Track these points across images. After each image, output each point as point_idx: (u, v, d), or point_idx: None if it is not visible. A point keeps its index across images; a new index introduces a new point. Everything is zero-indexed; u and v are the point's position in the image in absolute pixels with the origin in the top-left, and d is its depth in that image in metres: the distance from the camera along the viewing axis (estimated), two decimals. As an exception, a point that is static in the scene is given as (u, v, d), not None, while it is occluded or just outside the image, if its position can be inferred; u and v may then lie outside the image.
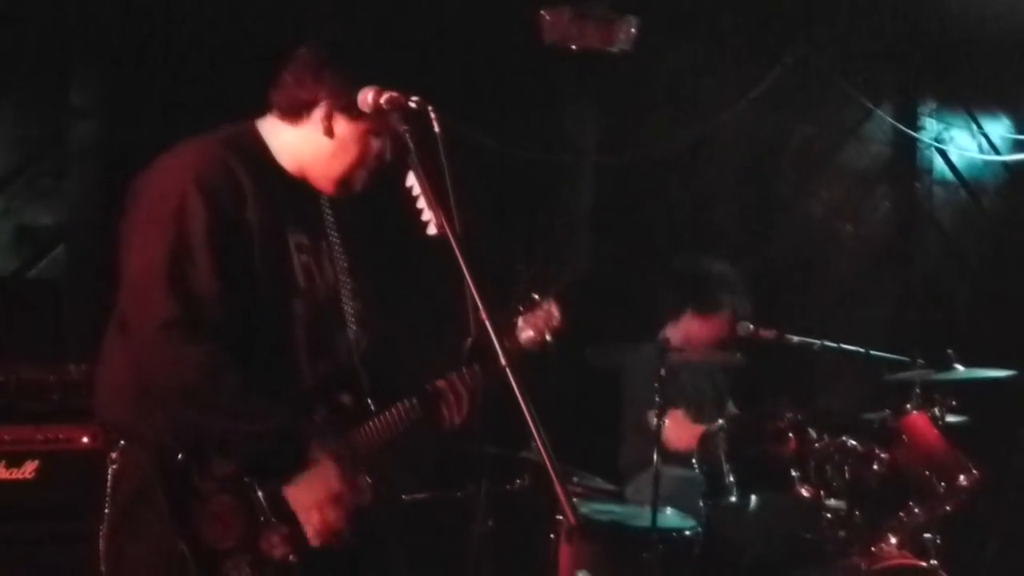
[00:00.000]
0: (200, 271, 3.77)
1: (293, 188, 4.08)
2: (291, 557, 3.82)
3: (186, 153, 3.97)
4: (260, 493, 3.82)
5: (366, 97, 3.94)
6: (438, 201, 3.70)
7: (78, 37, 7.09)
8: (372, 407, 4.14)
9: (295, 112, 4.04)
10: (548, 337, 4.42)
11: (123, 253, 3.93)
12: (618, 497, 6.78)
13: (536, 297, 4.45)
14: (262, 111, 4.15)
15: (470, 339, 4.03)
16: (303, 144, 4.05)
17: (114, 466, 3.88)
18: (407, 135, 3.81)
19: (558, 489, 3.34)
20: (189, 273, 3.76)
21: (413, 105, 3.85)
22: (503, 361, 3.47)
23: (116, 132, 7.11)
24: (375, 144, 4.06)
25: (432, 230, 3.70)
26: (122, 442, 3.86)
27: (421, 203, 3.76)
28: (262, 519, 3.81)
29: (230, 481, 3.80)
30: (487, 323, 3.51)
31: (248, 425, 3.78)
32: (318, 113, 4.01)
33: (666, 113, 8.57)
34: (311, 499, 3.84)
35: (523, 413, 3.35)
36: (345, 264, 4.22)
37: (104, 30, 7.14)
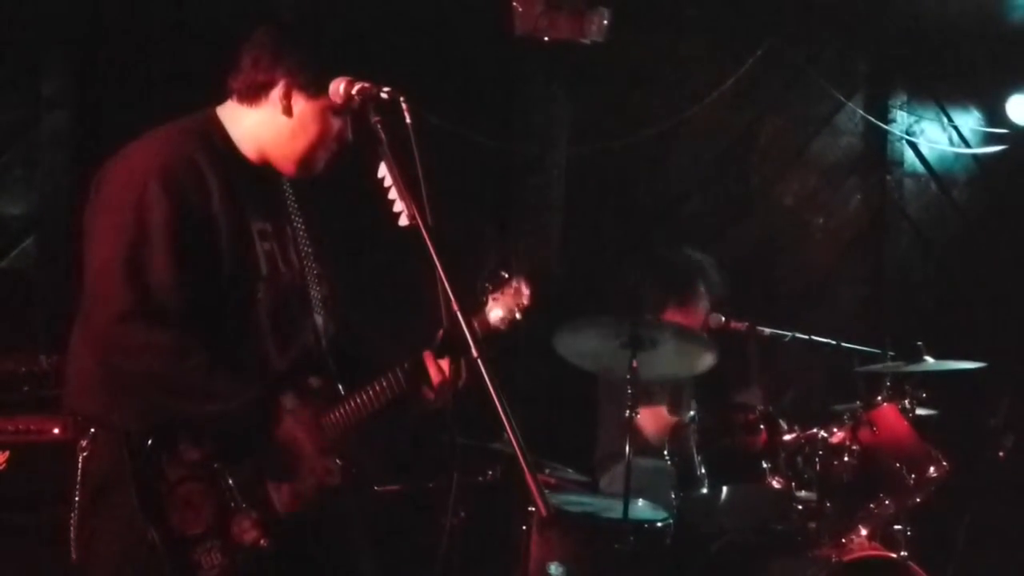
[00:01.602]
0: (158, 261, 3.78)
1: (255, 175, 4.09)
2: (262, 542, 3.82)
3: (149, 144, 3.97)
4: (230, 478, 3.82)
5: (338, 88, 3.94)
6: (409, 192, 3.70)
7: (48, 27, 7.07)
8: (341, 391, 4.14)
9: (253, 94, 4.05)
10: (518, 315, 4.37)
11: (85, 243, 3.94)
12: (590, 488, 6.79)
13: (505, 275, 4.41)
14: (221, 98, 4.14)
15: (441, 330, 4.03)
16: (263, 126, 4.06)
17: (84, 454, 3.87)
18: (379, 126, 3.80)
19: (529, 480, 3.34)
20: (147, 264, 3.77)
21: (385, 96, 3.85)
22: (475, 352, 3.47)
23: (87, 123, 7.09)
24: (335, 123, 4.07)
25: (404, 221, 3.70)
26: (92, 430, 3.85)
27: (393, 194, 3.76)
28: (232, 504, 3.82)
29: (199, 467, 3.81)
30: (459, 314, 3.52)
31: (215, 405, 3.80)
32: (276, 93, 4.02)
33: (637, 104, 8.58)
34: (284, 466, 3.86)
35: (495, 404, 3.35)
36: (310, 250, 4.22)
37: (74, 20, 7.12)
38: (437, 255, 3.55)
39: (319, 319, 4.22)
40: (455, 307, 3.52)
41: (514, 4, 7.75)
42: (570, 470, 6.74)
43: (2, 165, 7.06)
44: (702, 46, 8.79)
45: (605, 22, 7.81)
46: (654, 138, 8.54)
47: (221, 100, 4.15)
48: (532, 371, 7.51)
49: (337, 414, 4.07)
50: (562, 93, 8.30)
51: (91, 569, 3.89)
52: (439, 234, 3.60)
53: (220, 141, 4.05)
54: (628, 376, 6.16)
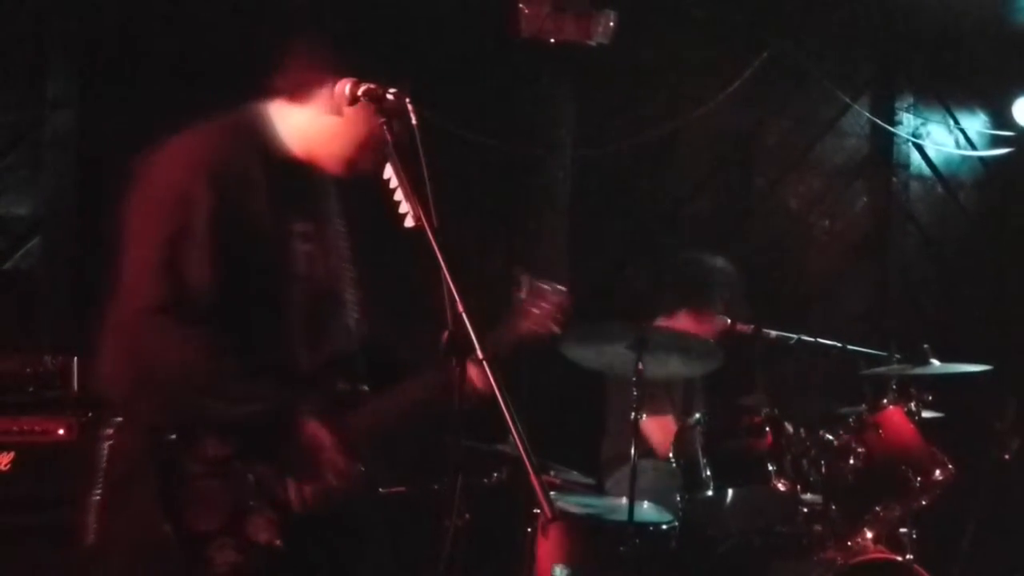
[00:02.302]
0: (197, 257, 3.76)
1: (300, 174, 4.09)
2: (276, 542, 3.82)
3: (196, 137, 3.96)
4: (249, 477, 3.82)
5: (343, 89, 3.94)
6: (415, 193, 3.69)
7: (54, 28, 7.07)
8: (367, 394, 4.15)
9: (302, 93, 4.04)
10: (555, 328, 4.40)
11: (123, 233, 3.89)
12: (596, 490, 6.78)
13: (540, 284, 4.41)
14: (266, 95, 4.13)
15: (447, 332, 4.02)
16: (311, 124, 4.05)
17: (108, 443, 3.87)
18: (384, 127, 3.80)
19: (535, 483, 3.34)
20: (185, 259, 3.75)
21: (390, 97, 3.85)
22: (480, 354, 3.46)
23: (91, 124, 7.09)
24: (379, 123, 4.05)
25: (409, 222, 3.69)
26: (116, 420, 3.85)
27: (398, 195, 3.75)
28: (250, 503, 3.81)
29: (220, 464, 3.80)
30: (464, 315, 3.51)
31: (239, 407, 3.79)
32: (325, 92, 4.01)
33: (643, 106, 8.58)
34: (305, 468, 3.87)
35: (500, 406, 3.35)
36: (348, 252, 4.22)
37: (80, 22, 7.12)
38: (442, 256, 3.54)
39: (352, 322, 4.21)
40: (460, 308, 3.51)
41: (520, 6, 7.76)
42: (575, 472, 6.73)
43: (7, 166, 7.06)
44: (708, 48, 8.79)
45: (611, 24, 7.81)
46: (659, 140, 8.54)
47: (267, 97, 4.13)
48: (538, 373, 7.50)
49: (359, 418, 4.06)
50: (568, 95, 8.30)
51: (106, 557, 3.89)
52: (444, 235, 3.60)
53: (267, 136, 4.04)
54: (634, 378, 6.15)
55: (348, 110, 4.01)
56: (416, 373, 4.17)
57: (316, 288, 4.06)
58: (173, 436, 3.75)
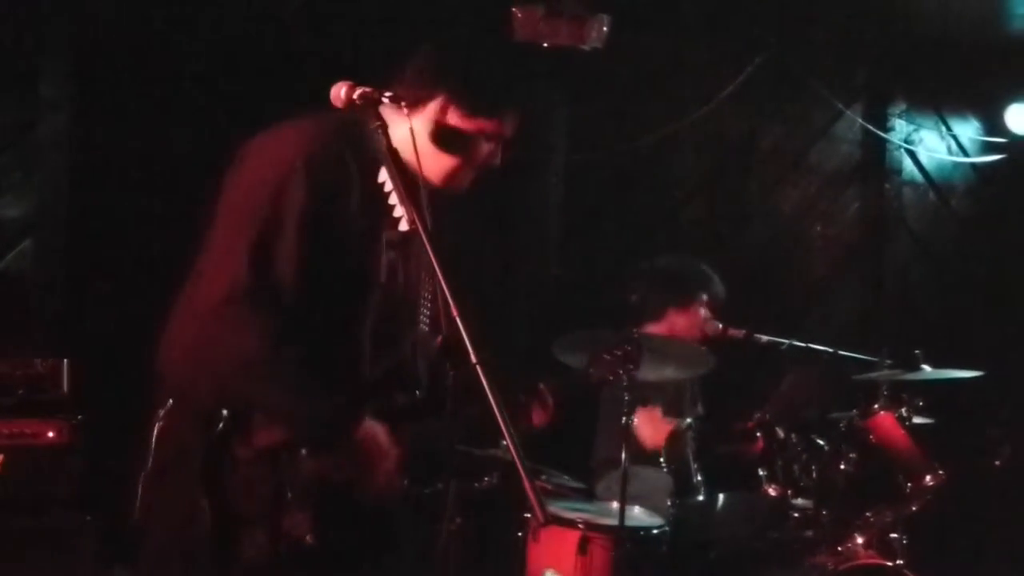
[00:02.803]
0: (285, 250, 3.72)
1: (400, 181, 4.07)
2: (308, 538, 3.81)
3: (302, 129, 3.91)
4: (294, 470, 3.80)
5: (339, 92, 3.92)
6: (410, 197, 3.69)
7: (47, 30, 7.07)
8: (428, 410, 4.13)
9: (412, 104, 4.01)
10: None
11: (217, 212, 3.86)
12: (587, 495, 6.78)
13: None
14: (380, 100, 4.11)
15: (441, 336, 4.02)
16: (416, 136, 4.03)
17: (160, 423, 3.86)
18: (379, 130, 3.79)
19: (527, 487, 3.33)
20: (273, 250, 3.71)
21: (386, 101, 3.84)
22: (473, 358, 3.46)
23: (85, 126, 7.09)
24: (485, 146, 4.06)
25: (404, 226, 3.69)
26: (170, 401, 3.84)
27: (393, 199, 3.74)
28: (289, 495, 3.79)
29: (268, 453, 3.77)
30: (458, 320, 3.50)
31: (301, 401, 3.77)
32: (433, 106, 4.00)
33: (637, 111, 8.58)
34: (351, 473, 3.86)
35: (493, 410, 3.35)
36: (431, 264, 4.20)
37: (74, 24, 7.11)
38: (437, 260, 3.54)
39: (422, 334, 4.20)
40: (454, 312, 3.50)
41: (514, 10, 7.76)
42: (566, 476, 6.73)
43: (0, 167, 7.05)
44: (701, 53, 8.80)
45: (605, 28, 7.81)
46: (653, 145, 8.54)
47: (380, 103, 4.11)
48: (529, 377, 7.50)
49: (415, 434, 4.06)
50: (561, 99, 8.30)
51: (149, 533, 3.89)
52: (438, 239, 3.59)
53: (372, 141, 3.98)
54: (625, 383, 6.15)
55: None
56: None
57: (393, 297, 4.03)
58: (224, 420, 3.73)
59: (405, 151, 3.99)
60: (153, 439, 3.87)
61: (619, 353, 4.54)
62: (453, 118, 4.00)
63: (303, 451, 3.81)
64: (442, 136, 4.02)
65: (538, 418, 4.35)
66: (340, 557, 3.90)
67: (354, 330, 3.94)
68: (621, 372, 4.52)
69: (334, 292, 3.86)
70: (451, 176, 4.09)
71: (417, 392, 4.15)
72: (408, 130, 3.99)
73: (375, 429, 3.89)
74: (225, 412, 3.73)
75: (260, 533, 3.75)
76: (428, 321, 4.22)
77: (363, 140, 3.94)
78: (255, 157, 3.88)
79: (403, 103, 4.00)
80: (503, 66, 4.18)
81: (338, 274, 3.85)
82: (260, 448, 3.76)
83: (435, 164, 4.06)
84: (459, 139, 4.03)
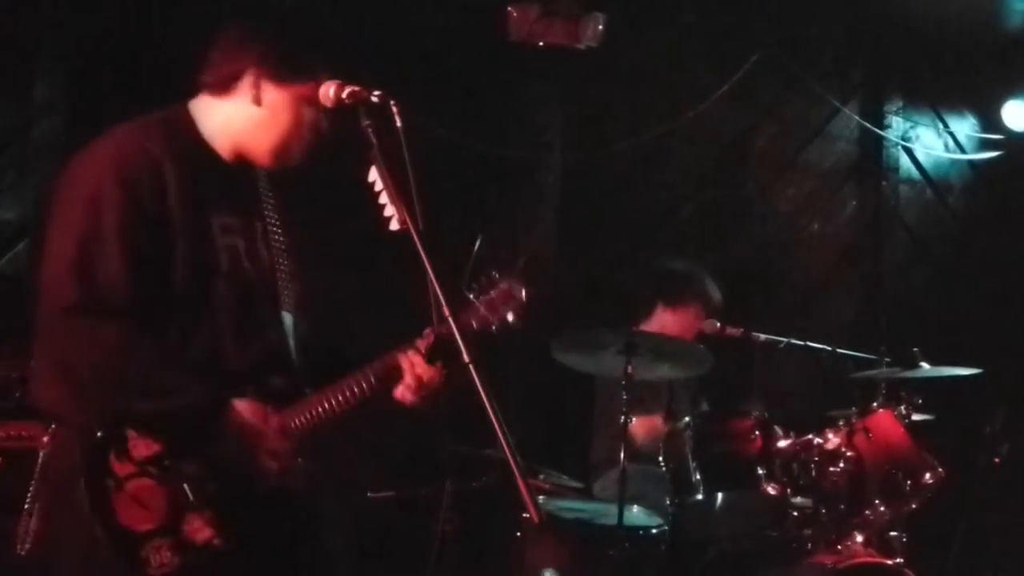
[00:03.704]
0: (108, 257, 3.75)
1: (223, 169, 4.05)
2: (215, 541, 3.79)
3: (107, 140, 3.95)
4: (182, 476, 3.79)
5: (328, 91, 3.92)
6: (400, 196, 3.68)
7: (43, 32, 7.06)
8: (307, 390, 4.08)
9: (224, 85, 4.02)
10: (510, 317, 4.30)
11: (45, 227, 3.91)
12: (585, 494, 6.77)
13: (496, 275, 4.35)
14: (193, 93, 4.12)
15: (432, 334, 4.00)
16: (234, 117, 4.02)
17: (44, 451, 3.86)
18: (369, 130, 3.78)
19: (521, 487, 3.32)
20: (96, 259, 3.74)
21: (375, 99, 3.83)
22: (466, 357, 3.45)
23: (80, 128, 7.06)
24: (308, 112, 4.02)
25: (395, 225, 3.67)
26: (52, 426, 3.84)
27: (383, 198, 3.73)
28: (183, 502, 3.78)
29: (150, 463, 3.77)
30: (449, 318, 3.49)
31: (164, 400, 3.77)
32: (246, 83, 3.99)
33: (632, 110, 8.57)
34: (237, 464, 3.84)
35: (487, 410, 3.34)
36: (283, 246, 4.18)
37: (69, 25, 7.11)
38: (428, 259, 3.52)
39: (288, 316, 4.16)
40: (446, 311, 3.49)
41: (509, 9, 7.76)
42: (564, 476, 6.72)
43: (-5, 170, 7.07)
44: (697, 52, 8.80)
45: (600, 27, 7.82)
46: (649, 143, 8.53)
47: (194, 95, 4.12)
48: (527, 376, 7.50)
49: (300, 414, 4.02)
50: (557, 98, 8.30)
51: (49, 563, 3.87)
52: (430, 238, 3.58)
53: (186, 135, 4.02)
54: (623, 382, 6.14)
55: (269, 100, 4.00)
56: (358, 368, 4.11)
57: (244, 282, 4.02)
58: (98, 435, 3.73)
59: (225, 136, 4.01)
60: (37, 468, 3.88)
61: (497, 292, 4.28)
62: (268, 88, 3.99)
63: (184, 453, 3.80)
64: (261, 110, 4.01)
65: (418, 392, 4.16)
66: (253, 554, 3.88)
67: (204, 321, 3.93)
68: (506, 313, 4.25)
69: (172, 286, 3.86)
70: (281, 150, 4.08)
71: (294, 375, 4.13)
72: (228, 113, 4.03)
73: (243, 411, 3.89)
74: (99, 433, 3.73)
75: (165, 546, 3.74)
76: (291, 301, 4.18)
77: (178, 137, 3.97)
78: (69, 176, 3.91)
79: (216, 87, 4.03)
80: (306, 28, 4.14)
81: (171, 268, 3.86)
82: (140, 460, 3.76)
83: (261, 141, 4.06)
84: (279, 109, 4.01)
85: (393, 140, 3.70)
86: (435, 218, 3.62)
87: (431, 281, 3.50)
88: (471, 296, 4.24)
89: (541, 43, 7.78)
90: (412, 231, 3.59)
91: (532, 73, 8.16)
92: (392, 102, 3.76)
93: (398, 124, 3.69)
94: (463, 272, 4.23)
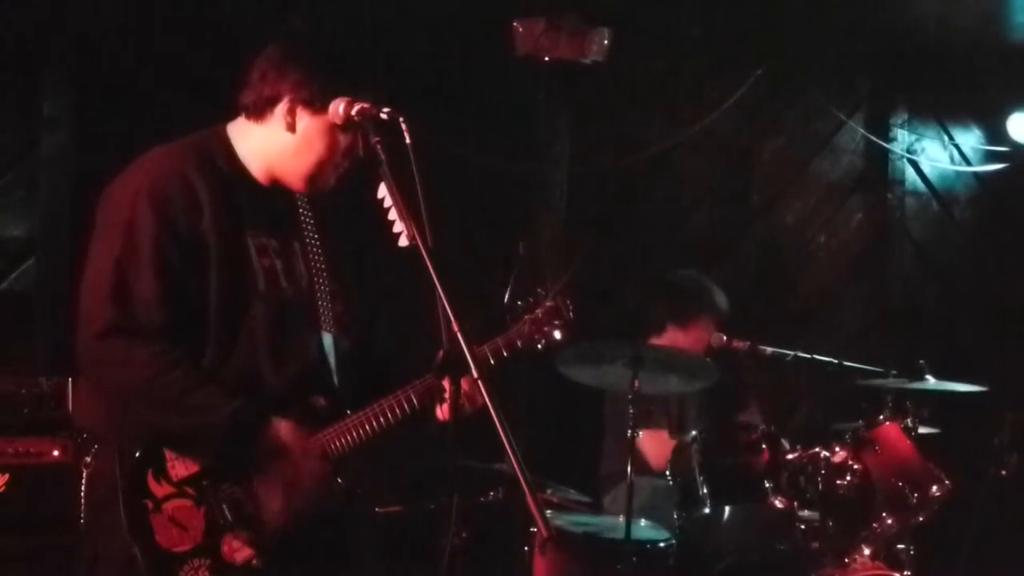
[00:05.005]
0: (144, 279, 3.81)
1: (260, 191, 4.08)
2: (254, 561, 3.81)
3: (143, 163, 3.99)
4: (220, 496, 3.81)
5: (337, 108, 3.93)
6: (409, 212, 3.68)
7: (50, 48, 7.07)
8: (348, 411, 4.10)
9: (260, 110, 4.04)
10: (557, 335, 4.30)
11: (87, 250, 3.98)
12: (593, 508, 6.77)
13: (541, 292, 4.35)
14: (232, 115, 4.14)
15: (442, 351, 4.00)
16: (269, 143, 4.05)
17: (87, 471, 3.89)
18: (379, 146, 3.79)
19: (530, 501, 3.32)
20: (132, 282, 3.80)
21: (384, 116, 3.84)
22: (475, 374, 3.45)
23: (87, 144, 7.09)
24: (342, 139, 4.04)
25: (403, 242, 3.68)
26: (95, 447, 3.87)
27: (392, 215, 3.74)
28: (222, 522, 3.80)
29: (188, 484, 3.81)
30: (459, 335, 3.50)
31: (199, 418, 3.80)
32: (281, 109, 4.00)
33: (639, 124, 8.58)
34: (276, 484, 3.87)
35: (496, 425, 3.34)
36: (323, 266, 4.20)
37: (74, 41, 7.11)
38: (437, 275, 3.53)
39: (328, 337, 4.18)
40: (455, 328, 3.50)
41: (515, 24, 7.77)
42: (572, 490, 6.72)
43: (3, 186, 7.06)
44: (703, 66, 8.80)
45: (606, 42, 7.83)
46: (656, 157, 8.54)
47: (232, 116, 4.14)
48: (535, 391, 7.50)
49: (341, 436, 4.04)
50: (563, 112, 8.30)
51: None
52: (439, 254, 3.59)
53: (222, 157, 4.04)
54: (630, 396, 6.14)
55: (303, 128, 4.01)
56: (399, 389, 4.12)
57: (282, 303, 4.04)
58: (137, 456, 3.76)
59: (260, 160, 4.03)
60: (83, 488, 3.91)
61: (540, 313, 4.27)
62: (302, 116, 4.01)
63: (222, 474, 3.81)
64: (295, 137, 4.03)
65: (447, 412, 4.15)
66: (293, 574, 3.91)
67: (241, 342, 3.95)
68: (554, 331, 4.24)
69: (209, 307, 3.90)
70: (315, 177, 4.10)
71: (335, 394, 4.14)
72: (263, 137, 4.05)
73: (283, 431, 3.90)
74: (137, 453, 3.76)
75: (203, 567, 3.76)
76: (332, 321, 4.20)
77: (213, 160, 4.01)
78: (106, 201, 3.97)
79: (252, 112, 4.05)
80: (341, 55, 4.14)
81: (206, 290, 3.90)
82: (179, 480, 3.79)
83: (295, 168, 4.08)
84: (313, 137, 4.03)
85: (402, 156, 3.71)
86: (440, 233, 3.62)
87: (440, 297, 3.51)
88: (523, 316, 4.25)
89: (547, 58, 7.79)
90: (421, 248, 3.60)
91: (538, 88, 8.17)
92: (401, 119, 3.77)
93: (407, 140, 3.70)
94: (497, 288, 4.24)
